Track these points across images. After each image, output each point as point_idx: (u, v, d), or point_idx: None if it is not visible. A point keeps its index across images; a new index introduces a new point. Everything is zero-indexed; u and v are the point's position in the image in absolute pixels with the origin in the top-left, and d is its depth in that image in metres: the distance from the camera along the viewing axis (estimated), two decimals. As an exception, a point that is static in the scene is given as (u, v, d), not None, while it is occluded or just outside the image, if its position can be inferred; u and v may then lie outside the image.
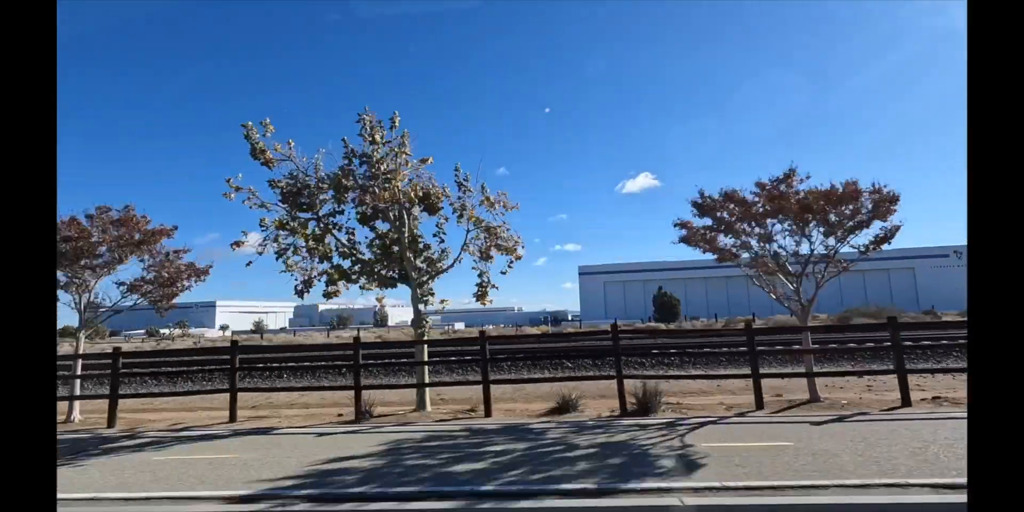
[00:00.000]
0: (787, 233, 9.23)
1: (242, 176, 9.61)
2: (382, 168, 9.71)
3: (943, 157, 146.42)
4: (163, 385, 14.76)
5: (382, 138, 9.88)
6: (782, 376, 10.46)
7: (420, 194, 9.72)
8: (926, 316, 37.06)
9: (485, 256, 10.08)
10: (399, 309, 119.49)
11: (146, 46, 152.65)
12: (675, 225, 9.71)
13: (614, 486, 4.48)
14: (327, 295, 9.95)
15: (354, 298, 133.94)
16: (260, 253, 9.53)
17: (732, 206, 9.30)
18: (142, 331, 68.02)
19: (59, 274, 9.73)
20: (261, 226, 9.60)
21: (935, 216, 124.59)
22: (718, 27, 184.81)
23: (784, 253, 9.29)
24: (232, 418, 8.76)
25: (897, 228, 8.77)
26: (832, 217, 8.85)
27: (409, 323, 11.45)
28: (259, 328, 64.98)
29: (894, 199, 8.58)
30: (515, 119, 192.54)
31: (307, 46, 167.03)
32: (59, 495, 4.04)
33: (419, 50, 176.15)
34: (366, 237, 10.24)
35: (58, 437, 7.34)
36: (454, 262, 10.12)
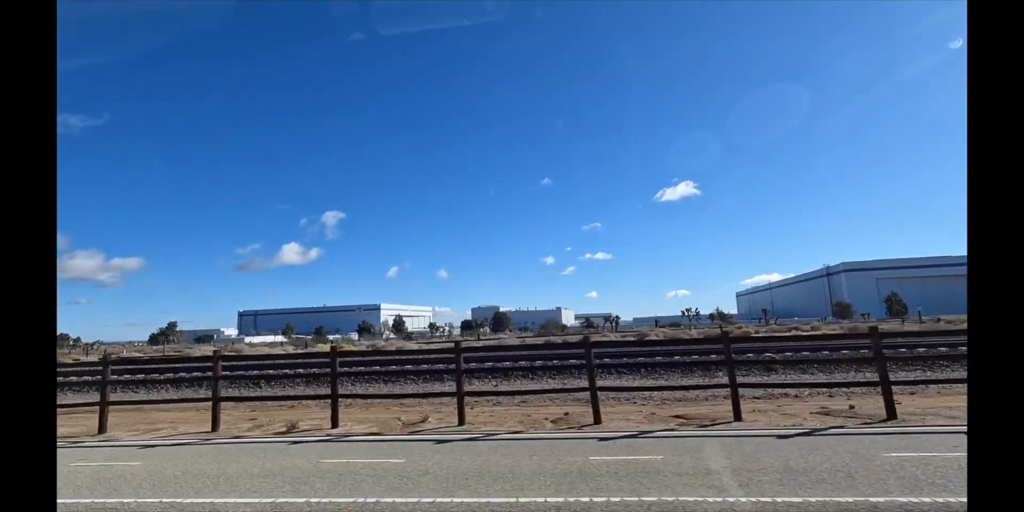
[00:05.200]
0: None
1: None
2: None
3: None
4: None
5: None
6: None
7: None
8: None
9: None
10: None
11: (167, 75, 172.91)
12: None
13: None
14: None
15: (534, 304, 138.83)
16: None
17: None
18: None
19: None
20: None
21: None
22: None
23: None
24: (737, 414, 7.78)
25: None
26: None
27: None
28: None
29: None
30: (543, 128, 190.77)
31: (330, 64, 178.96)
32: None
33: (445, 64, 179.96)
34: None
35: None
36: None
